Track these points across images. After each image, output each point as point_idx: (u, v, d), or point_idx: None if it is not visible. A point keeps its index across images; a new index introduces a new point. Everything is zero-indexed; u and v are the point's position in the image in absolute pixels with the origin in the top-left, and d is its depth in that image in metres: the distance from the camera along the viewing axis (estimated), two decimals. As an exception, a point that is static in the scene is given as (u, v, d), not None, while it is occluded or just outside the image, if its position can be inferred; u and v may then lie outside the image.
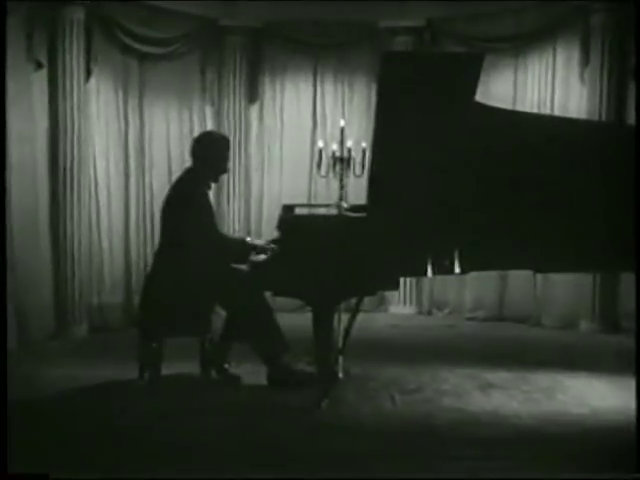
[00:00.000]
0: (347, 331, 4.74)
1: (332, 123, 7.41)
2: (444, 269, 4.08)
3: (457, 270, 4.08)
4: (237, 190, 7.40)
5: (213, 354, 4.54)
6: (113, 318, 6.48)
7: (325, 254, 3.97)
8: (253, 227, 7.48)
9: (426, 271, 4.05)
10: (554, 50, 6.72)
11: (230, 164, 7.03)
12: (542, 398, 4.36)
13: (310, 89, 7.59)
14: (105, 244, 6.54)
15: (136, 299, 5.38)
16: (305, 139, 7.57)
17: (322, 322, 4.02)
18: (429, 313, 7.41)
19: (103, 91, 6.49)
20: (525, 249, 4.12)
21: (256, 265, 4.32)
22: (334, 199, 6.46)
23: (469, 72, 3.98)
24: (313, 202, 7.27)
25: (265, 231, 6.92)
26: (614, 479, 3.16)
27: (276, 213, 6.90)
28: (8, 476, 2.85)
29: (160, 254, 4.53)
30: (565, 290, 6.59)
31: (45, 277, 5.97)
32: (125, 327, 6.27)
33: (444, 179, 4.01)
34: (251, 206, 7.56)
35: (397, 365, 5.08)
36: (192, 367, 4.58)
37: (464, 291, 7.18)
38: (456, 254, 4.04)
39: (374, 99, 7.13)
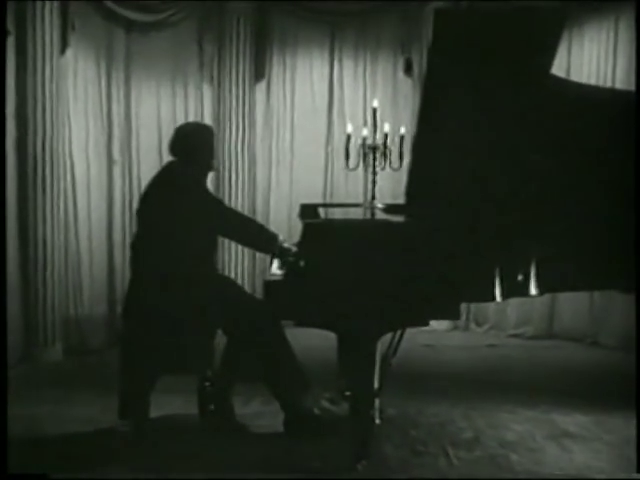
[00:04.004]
0: (384, 367, 3.91)
1: (351, 105, 7.01)
2: (516, 290, 3.36)
3: (533, 291, 3.39)
4: (240, 185, 6.88)
5: (213, 394, 3.87)
6: (93, 335, 5.96)
7: (368, 272, 3.19)
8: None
9: (494, 294, 3.29)
10: (616, 17, 6.08)
11: (231, 155, 6.68)
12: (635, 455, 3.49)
13: (326, 65, 7.13)
14: (84, 246, 6.05)
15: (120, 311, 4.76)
16: (320, 124, 7.09)
17: (362, 359, 3.26)
18: (466, 329, 6.82)
19: (82, 65, 6.03)
20: (617, 262, 3.44)
21: (272, 286, 3.38)
22: (355, 196, 5.78)
23: (548, 34, 3.29)
24: (329, 200, 6.80)
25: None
26: (614, 479, 3.20)
27: (285, 212, 6.45)
28: (8, 476, 2.87)
29: (142, 270, 3.78)
30: (626, 303, 5.69)
31: (11, 286, 5.25)
32: (108, 346, 5.77)
33: (515, 170, 3.37)
34: (257, 204, 7.03)
35: (440, 402, 4.40)
36: (187, 402, 3.98)
37: (507, 303, 6.45)
38: (532, 268, 3.36)
39: (401, 76, 6.82)
